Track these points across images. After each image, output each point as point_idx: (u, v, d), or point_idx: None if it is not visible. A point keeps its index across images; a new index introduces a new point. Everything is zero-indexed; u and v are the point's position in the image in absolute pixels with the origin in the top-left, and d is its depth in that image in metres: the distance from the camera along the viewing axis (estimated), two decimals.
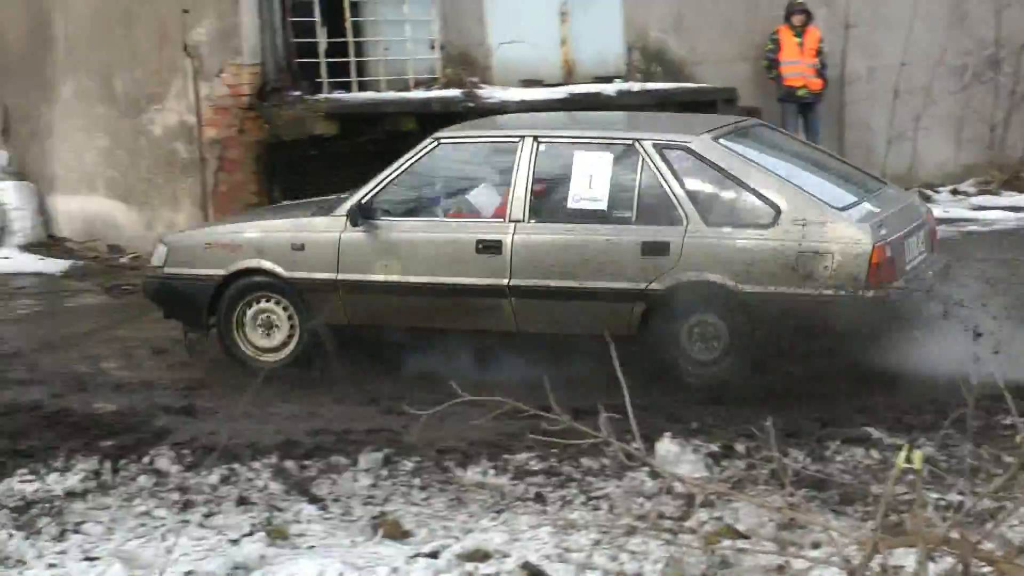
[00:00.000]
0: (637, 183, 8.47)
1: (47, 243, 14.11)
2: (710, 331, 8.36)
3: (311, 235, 8.99)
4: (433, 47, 13.93)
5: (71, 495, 6.72)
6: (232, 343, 9.16)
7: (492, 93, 13.46)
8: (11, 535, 6.13)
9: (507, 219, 8.63)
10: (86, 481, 6.88)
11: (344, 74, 13.55)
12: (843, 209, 8.28)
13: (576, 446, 6.58)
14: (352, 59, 13.55)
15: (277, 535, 6.07)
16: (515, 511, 6.32)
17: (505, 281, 8.56)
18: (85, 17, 13.85)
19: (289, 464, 7.00)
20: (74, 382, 8.87)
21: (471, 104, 13.08)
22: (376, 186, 8.96)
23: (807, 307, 8.06)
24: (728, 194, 8.38)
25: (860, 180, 9.15)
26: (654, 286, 8.32)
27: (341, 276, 8.85)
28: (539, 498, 6.48)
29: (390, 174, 9.00)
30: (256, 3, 13.13)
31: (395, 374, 8.47)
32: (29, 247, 13.95)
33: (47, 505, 6.56)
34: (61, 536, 6.17)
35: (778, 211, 8.19)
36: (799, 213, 8.15)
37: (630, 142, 8.61)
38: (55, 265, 13.36)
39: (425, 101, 13.17)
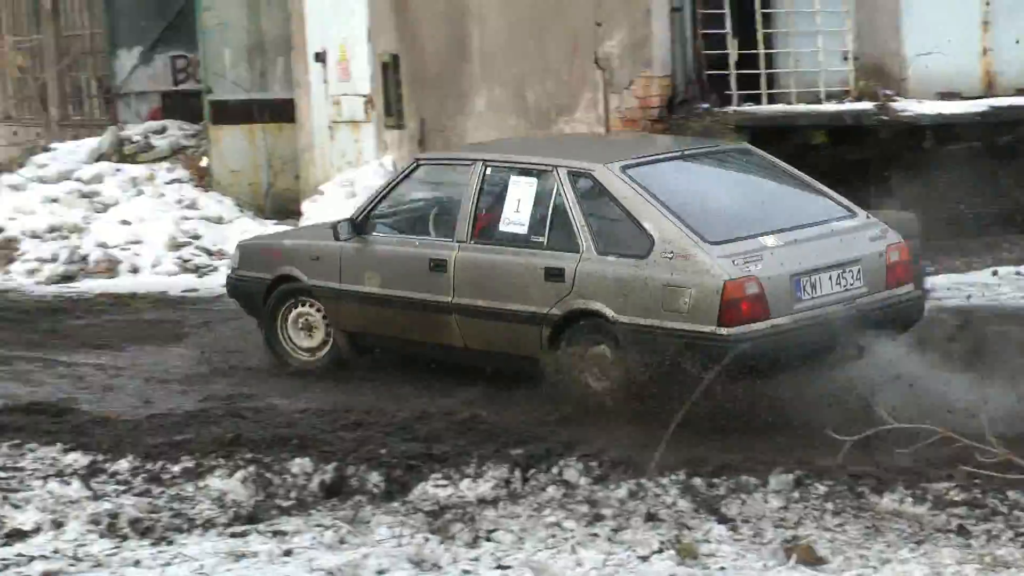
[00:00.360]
0: (551, 209, 8.72)
1: None
2: (601, 360, 8.40)
3: (325, 246, 9.65)
4: (846, 58, 13.58)
5: (483, 502, 6.82)
6: (275, 341, 9.88)
7: (906, 106, 13.02)
8: (427, 539, 6.26)
9: (454, 239, 9.04)
10: (497, 489, 6.96)
11: (753, 86, 13.38)
12: (718, 243, 8.12)
13: (1001, 477, 6.25)
14: (762, 71, 13.37)
15: (687, 554, 5.99)
16: (936, 543, 6.04)
17: (449, 298, 9.04)
18: (500, 31, 14.17)
19: (697, 481, 6.89)
20: (486, 390, 9.00)
21: (884, 118, 12.70)
22: (368, 203, 9.66)
23: (669, 342, 8.02)
24: (617, 223, 8.49)
25: (801, 212, 8.74)
26: (554, 311, 8.55)
27: (343, 286, 9.51)
28: (962, 531, 6.17)
29: (380, 192, 9.70)
30: (667, 15, 13.15)
31: (807, 396, 8.25)
32: None
33: (460, 511, 6.66)
34: (474, 543, 6.26)
35: (652, 243, 8.20)
36: (669, 246, 8.14)
37: (550, 168, 8.82)
38: None
39: (836, 114, 12.86)
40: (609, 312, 8.28)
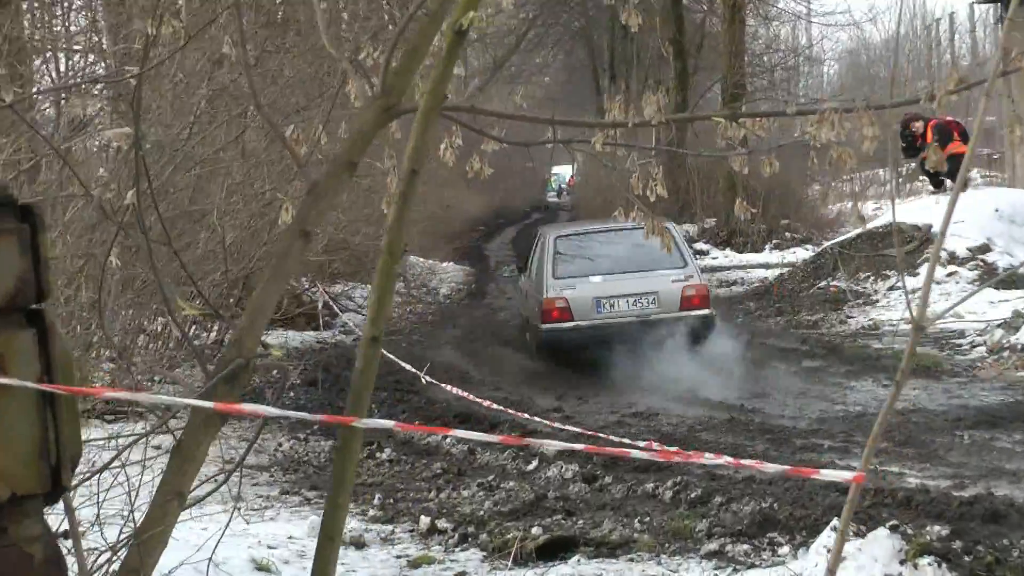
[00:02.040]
0: (535, 256, 16.19)
1: None
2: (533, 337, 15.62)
3: (522, 286, 17.60)
4: None
5: None
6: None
7: None
8: None
9: (526, 276, 16.97)
10: None
11: None
12: (559, 278, 14.97)
13: None
14: None
15: None
16: None
17: (523, 311, 17.07)
18: None
19: None
20: None
21: None
22: (528, 258, 17.31)
23: (534, 331, 15.26)
24: (540, 265, 15.52)
25: (642, 264, 14.63)
26: (521, 312, 17.21)
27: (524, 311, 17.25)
28: None
29: (531, 252, 17.29)
30: None
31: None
32: None
33: None
34: None
35: (540, 276, 15.17)
36: (539, 277, 15.25)
37: (542, 234, 16.47)
38: None
39: None
40: (524, 313, 16.61)
